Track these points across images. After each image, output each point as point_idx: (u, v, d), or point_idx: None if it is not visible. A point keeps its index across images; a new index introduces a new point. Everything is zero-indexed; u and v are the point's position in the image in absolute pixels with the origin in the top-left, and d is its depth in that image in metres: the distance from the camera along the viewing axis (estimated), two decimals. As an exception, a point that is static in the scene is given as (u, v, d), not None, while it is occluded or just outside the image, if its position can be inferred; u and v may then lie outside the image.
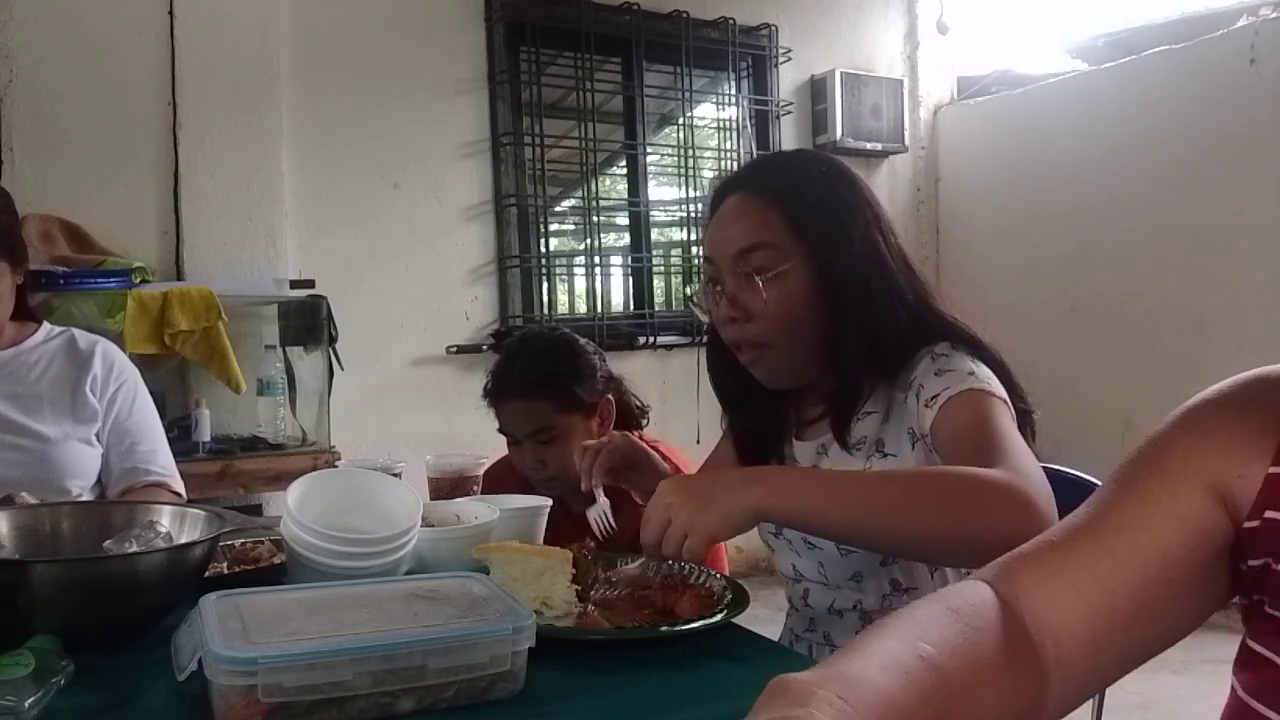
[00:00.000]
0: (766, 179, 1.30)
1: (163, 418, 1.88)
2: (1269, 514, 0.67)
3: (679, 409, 3.91)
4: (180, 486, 1.79)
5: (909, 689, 0.55)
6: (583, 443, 1.36)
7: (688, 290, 4.61)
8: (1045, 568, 0.70)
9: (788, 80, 4.65)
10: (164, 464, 1.78)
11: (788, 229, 1.23)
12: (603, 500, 1.29)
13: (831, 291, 1.22)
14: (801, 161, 1.33)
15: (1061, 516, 0.77)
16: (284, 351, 3.31)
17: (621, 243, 4.54)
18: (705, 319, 1.34)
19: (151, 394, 1.85)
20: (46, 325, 1.79)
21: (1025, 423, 1.19)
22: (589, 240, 4.25)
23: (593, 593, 1.11)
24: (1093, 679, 0.70)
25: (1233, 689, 0.70)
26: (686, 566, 1.23)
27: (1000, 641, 0.64)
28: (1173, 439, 0.72)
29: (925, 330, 1.23)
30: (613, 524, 1.23)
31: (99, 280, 2.91)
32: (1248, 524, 0.68)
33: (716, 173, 4.59)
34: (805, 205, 1.24)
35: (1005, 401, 1.15)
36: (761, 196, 1.26)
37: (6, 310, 1.68)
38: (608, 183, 4.61)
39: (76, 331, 1.81)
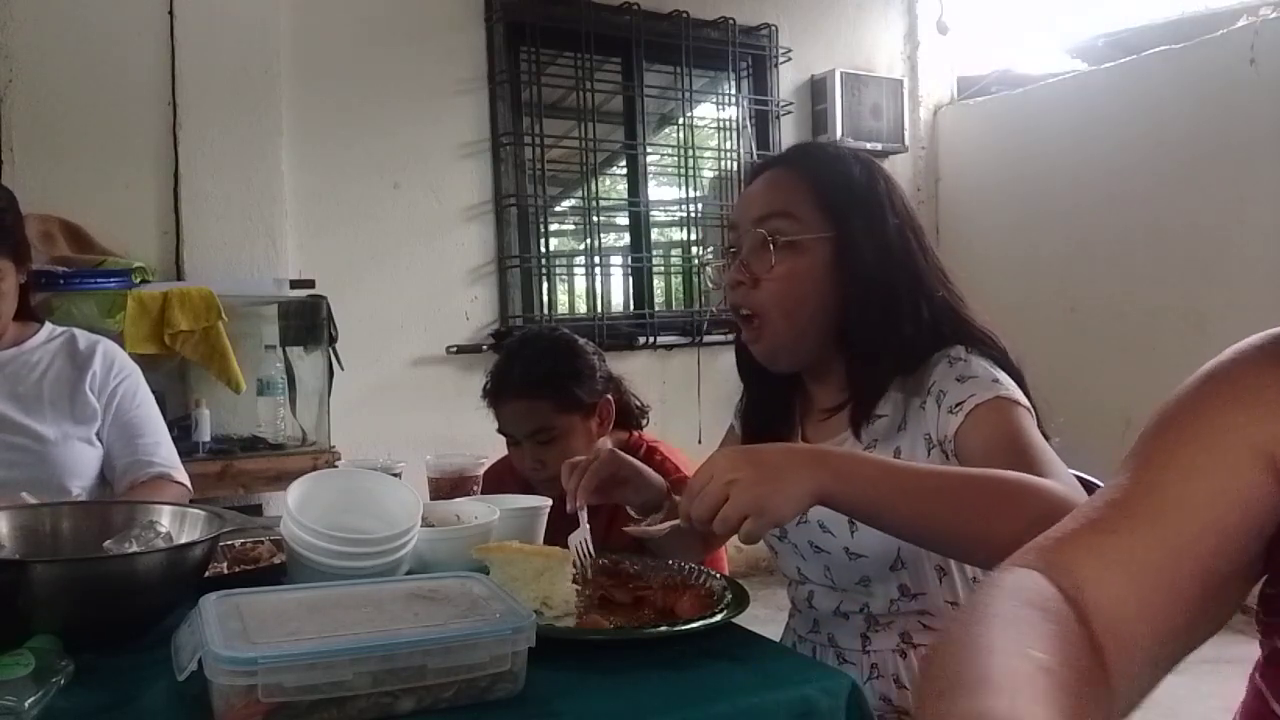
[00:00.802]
0: (804, 159, 1.31)
1: (163, 418, 1.88)
2: None
3: (679, 409, 3.93)
4: (184, 478, 1.79)
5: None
6: (567, 460, 1.29)
7: (704, 252, 4.58)
8: (1102, 555, 0.62)
9: (788, 80, 4.64)
10: (167, 456, 1.78)
11: (816, 206, 1.23)
12: (585, 528, 1.23)
13: (852, 280, 1.22)
14: (842, 151, 1.32)
15: None
16: (284, 351, 3.31)
17: (621, 243, 4.54)
18: (714, 287, 1.32)
19: (152, 393, 1.86)
20: (49, 325, 1.80)
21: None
22: (589, 240, 4.25)
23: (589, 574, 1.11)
24: (1141, 687, 0.62)
25: (1259, 694, 0.64)
26: (687, 566, 1.23)
27: (1088, 649, 0.56)
28: (1209, 404, 0.65)
29: (948, 335, 1.22)
30: (593, 552, 1.21)
31: (99, 280, 2.91)
32: None
33: (716, 173, 4.60)
34: (839, 188, 1.24)
35: (1030, 410, 1.14)
36: (795, 171, 1.27)
37: (9, 309, 1.69)
38: (608, 183, 4.61)
39: (78, 331, 1.81)
